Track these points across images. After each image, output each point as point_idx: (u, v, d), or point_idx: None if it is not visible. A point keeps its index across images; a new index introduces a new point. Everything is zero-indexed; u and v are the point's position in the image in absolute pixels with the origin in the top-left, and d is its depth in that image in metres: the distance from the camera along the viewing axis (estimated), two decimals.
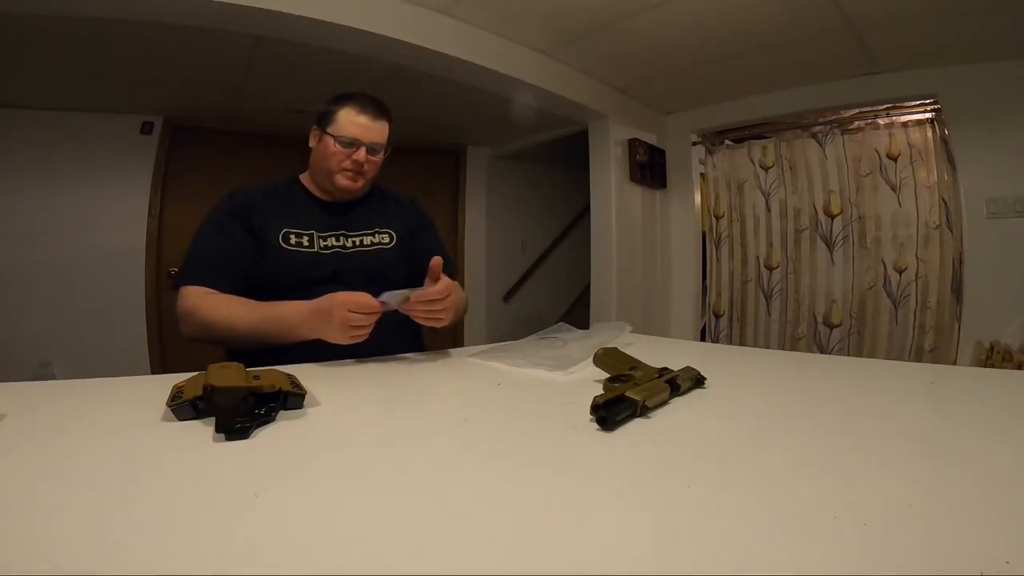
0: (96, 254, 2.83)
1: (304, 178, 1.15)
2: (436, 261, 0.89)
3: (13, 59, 2.18)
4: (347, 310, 0.83)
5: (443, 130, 3.56)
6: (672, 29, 2.20)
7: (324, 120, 1.07)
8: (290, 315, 0.90)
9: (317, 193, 1.12)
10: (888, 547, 0.30)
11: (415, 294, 0.89)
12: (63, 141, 2.77)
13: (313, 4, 1.76)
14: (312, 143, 1.10)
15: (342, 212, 1.11)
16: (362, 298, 0.84)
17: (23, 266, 2.67)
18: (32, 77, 2.38)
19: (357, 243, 1.09)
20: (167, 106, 2.91)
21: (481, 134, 3.78)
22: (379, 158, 1.09)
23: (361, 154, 1.04)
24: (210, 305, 0.93)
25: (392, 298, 0.86)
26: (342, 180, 1.06)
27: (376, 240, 1.11)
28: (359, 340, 0.85)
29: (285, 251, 1.02)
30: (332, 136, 1.05)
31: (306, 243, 1.04)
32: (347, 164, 1.05)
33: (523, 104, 2.70)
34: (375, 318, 0.86)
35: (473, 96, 2.67)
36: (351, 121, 1.05)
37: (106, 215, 2.87)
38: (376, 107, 1.08)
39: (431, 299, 0.89)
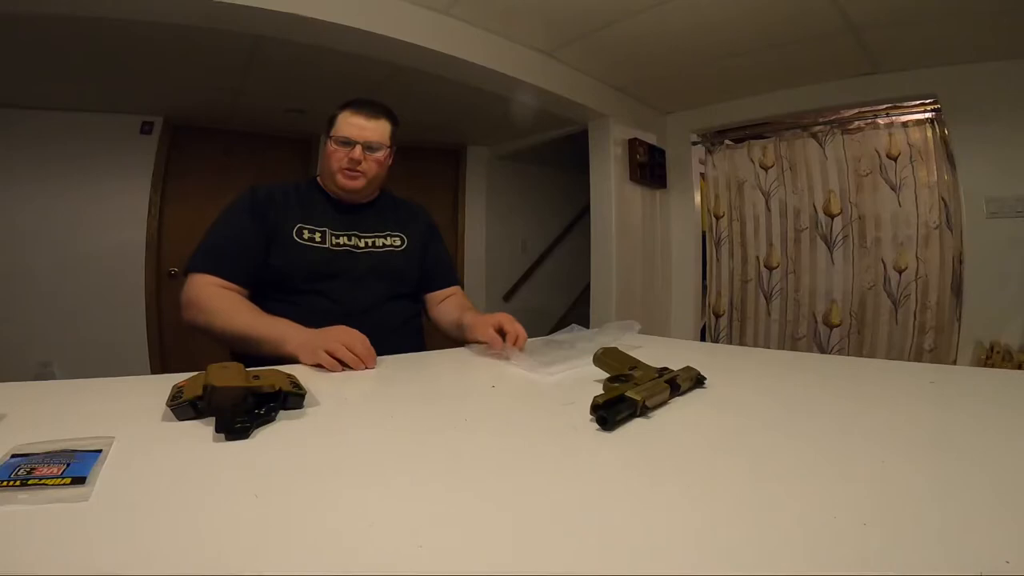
0: (96, 254, 2.83)
1: (320, 180, 1.20)
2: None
3: (13, 59, 2.18)
4: (343, 339, 0.82)
5: (443, 130, 3.56)
6: (672, 29, 2.19)
7: (328, 125, 1.13)
8: (291, 335, 0.89)
9: (331, 194, 1.17)
10: (888, 547, 0.30)
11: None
12: (63, 141, 2.76)
13: (313, 4, 1.75)
14: (322, 149, 1.16)
15: (356, 213, 1.16)
16: (363, 339, 0.84)
17: (24, 266, 2.67)
18: (32, 77, 2.38)
19: (369, 244, 1.14)
20: (167, 106, 2.91)
21: (481, 134, 3.77)
22: (379, 157, 1.12)
23: (356, 152, 1.09)
24: (216, 302, 0.96)
25: None
26: (341, 179, 1.11)
27: (388, 243, 1.17)
28: (324, 364, 0.80)
29: (298, 245, 1.06)
30: (331, 137, 1.11)
31: (318, 239, 1.09)
32: (344, 163, 1.10)
33: (523, 104, 2.69)
34: (352, 355, 0.82)
35: (473, 96, 2.66)
36: (347, 122, 1.11)
37: (106, 215, 2.86)
38: (372, 108, 1.13)
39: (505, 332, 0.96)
